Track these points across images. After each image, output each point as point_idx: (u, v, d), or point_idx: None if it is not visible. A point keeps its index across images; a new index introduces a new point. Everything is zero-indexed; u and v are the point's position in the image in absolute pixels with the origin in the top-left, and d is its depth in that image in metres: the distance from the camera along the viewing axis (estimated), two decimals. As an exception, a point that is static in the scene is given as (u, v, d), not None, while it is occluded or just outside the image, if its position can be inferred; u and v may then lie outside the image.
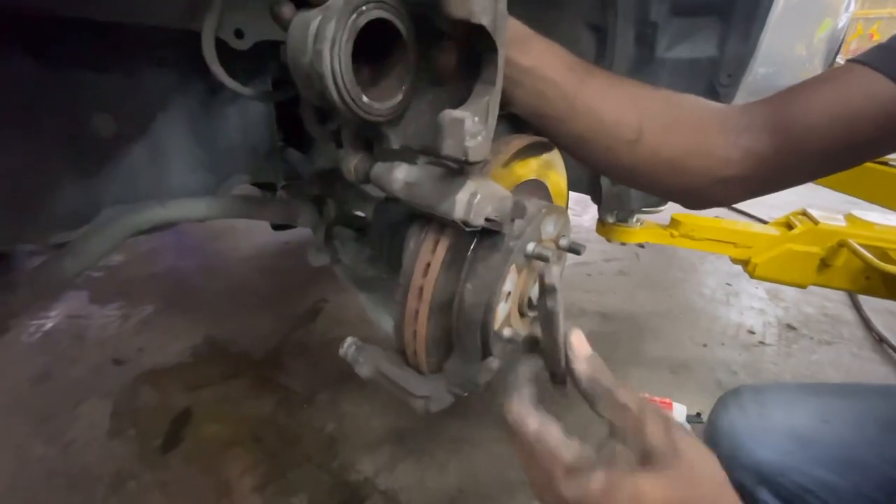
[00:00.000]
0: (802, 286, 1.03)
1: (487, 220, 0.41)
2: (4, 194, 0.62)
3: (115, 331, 1.53)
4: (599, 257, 2.21)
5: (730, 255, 1.09)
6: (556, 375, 0.42)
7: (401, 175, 0.43)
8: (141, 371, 1.35)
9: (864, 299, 1.86)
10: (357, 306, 0.79)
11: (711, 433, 0.70)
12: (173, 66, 0.69)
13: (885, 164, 1.17)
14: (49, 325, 1.54)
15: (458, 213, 0.39)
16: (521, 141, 0.50)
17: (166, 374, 1.34)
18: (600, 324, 1.69)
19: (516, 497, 0.99)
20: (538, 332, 0.42)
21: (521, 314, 0.56)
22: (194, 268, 1.99)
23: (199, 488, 1.00)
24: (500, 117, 0.52)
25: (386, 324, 0.68)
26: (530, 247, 0.48)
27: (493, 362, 0.59)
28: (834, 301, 1.89)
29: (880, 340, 1.66)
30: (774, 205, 2.31)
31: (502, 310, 0.50)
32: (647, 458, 0.33)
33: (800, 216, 1.06)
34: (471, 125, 0.34)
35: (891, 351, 1.61)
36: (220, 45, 0.57)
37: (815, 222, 1.01)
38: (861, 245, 0.94)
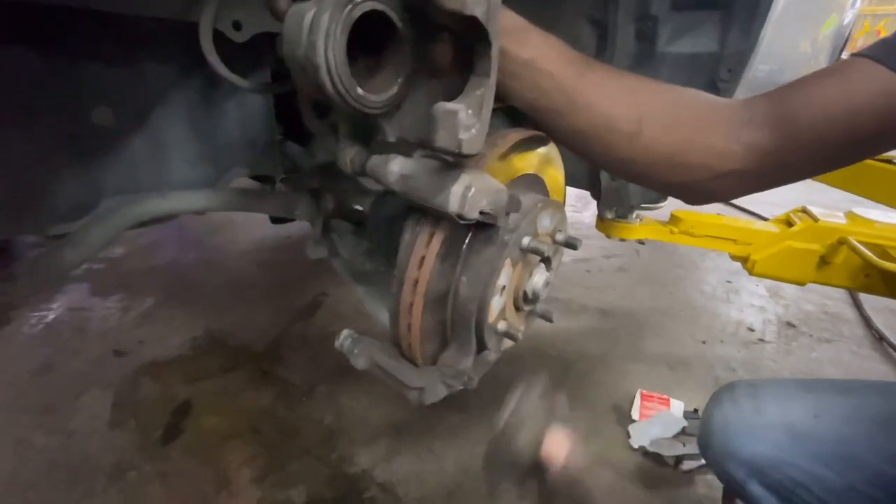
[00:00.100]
0: (801, 283, 1.03)
1: (482, 213, 0.41)
2: (5, 185, 0.62)
3: (116, 323, 1.54)
4: (599, 254, 2.21)
5: (729, 252, 1.08)
6: None
7: (396, 168, 0.43)
8: (141, 363, 1.35)
9: (864, 297, 1.86)
10: (356, 300, 0.79)
11: (705, 427, 0.70)
12: (173, 59, 0.69)
13: (890, 161, 1.16)
14: (51, 316, 1.55)
15: (453, 205, 0.39)
16: (517, 134, 0.50)
17: (166, 367, 1.35)
18: (600, 320, 1.69)
19: (513, 491, 1.00)
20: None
21: (517, 308, 0.56)
22: (194, 261, 1.99)
23: (198, 479, 1.00)
24: (498, 111, 0.52)
25: (383, 317, 0.68)
26: (525, 240, 0.49)
27: (490, 356, 0.60)
28: (834, 299, 1.89)
29: (880, 339, 1.66)
30: (776, 202, 2.31)
31: (497, 303, 0.50)
32: None
33: (800, 213, 1.06)
34: (464, 117, 0.34)
35: (890, 349, 1.61)
36: (220, 38, 0.57)
37: (815, 219, 1.00)
38: (861, 242, 0.93)
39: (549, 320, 0.60)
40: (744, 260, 1.06)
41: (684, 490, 1.01)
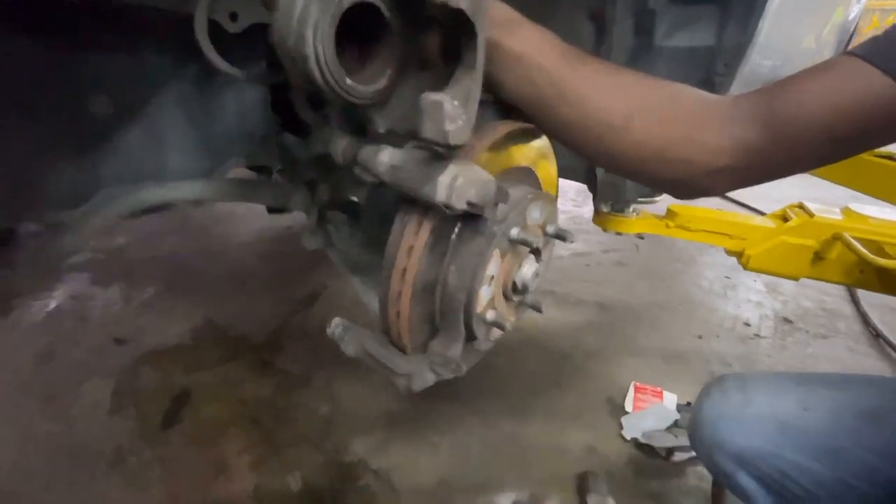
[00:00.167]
0: (795, 278, 1.03)
1: (469, 204, 0.42)
2: (5, 174, 0.63)
3: (117, 312, 1.56)
4: (598, 248, 2.22)
5: (724, 247, 1.09)
6: None
7: (386, 158, 0.43)
8: (142, 352, 1.37)
9: (862, 294, 1.86)
10: (354, 292, 0.80)
11: (695, 419, 0.71)
12: (170, 50, 0.69)
13: (891, 157, 1.16)
14: (52, 305, 1.56)
15: (440, 195, 0.40)
16: (507, 127, 0.50)
17: (167, 356, 1.37)
18: (597, 314, 1.70)
19: (505, 479, 1.01)
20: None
21: (507, 298, 0.57)
22: (195, 252, 2.01)
23: (197, 465, 1.02)
24: (489, 104, 0.53)
25: (377, 306, 0.69)
26: (514, 231, 0.49)
27: (480, 345, 0.60)
28: (832, 295, 1.89)
29: (877, 335, 1.66)
30: (778, 199, 2.30)
31: (486, 293, 0.51)
32: None
33: (796, 209, 1.06)
34: (450, 108, 0.35)
35: (887, 346, 1.61)
36: (216, 29, 0.57)
37: (811, 215, 1.01)
38: (856, 238, 0.94)
39: (539, 310, 0.60)
40: (739, 255, 1.06)
41: (675, 481, 1.03)
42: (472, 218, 0.47)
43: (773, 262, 1.03)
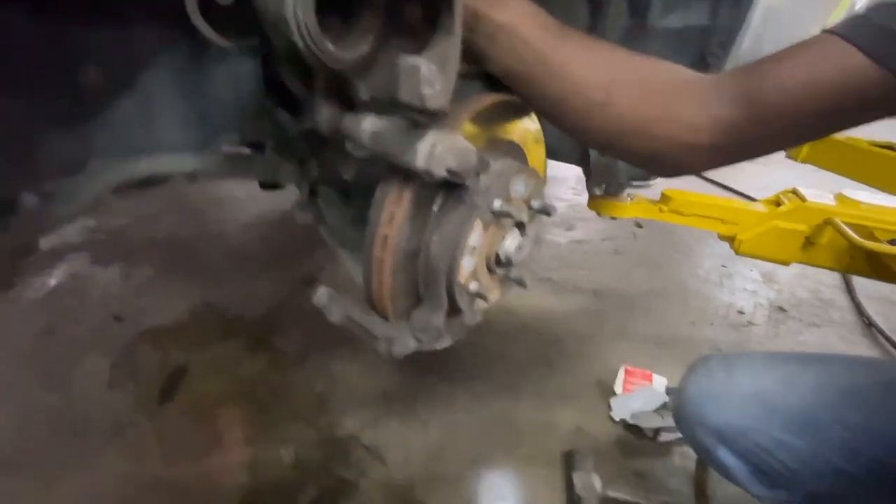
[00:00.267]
0: (786, 263, 1.04)
1: (449, 171, 0.42)
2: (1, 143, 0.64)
3: (117, 291, 1.57)
4: (596, 236, 2.22)
5: (717, 232, 1.09)
6: None
7: (368, 126, 0.44)
8: (140, 329, 1.39)
9: (859, 286, 1.86)
10: (348, 272, 0.81)
11: (679, 397, 0.73)
12: (161, 21, 0.69)
13: (891, 147, 1.16)
14: (53, 283, 1.58)
15: (420, 162, 0.40)
16: (492, 98, 0.51)
17: (165, 333, 1.39)
18: (592, 300, 1.71)
19: (492, 455, 1.04)
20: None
21: (490, 271, 0.58)
22: (194, 234, 2.02)
23: (193, 437, 1.05)
24: (476, 77, 0.53)
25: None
26: (497, 203, 0.50)
27: (466, 319, 0.61)
28: (829, 286, 1.90)
29: (870, 325, 1.67)
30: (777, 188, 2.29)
31: (468, 263, 0.52)
32: None
33: (789, 194, 1.06)
34: (427, 72, 0.35)
35: (880, 336, 1.62)
36: (207, 1, 0.57)
37: (804, 200, 1.01)
38: (847, 223, 0.94)
39: (523, 286, 0.61)
40: (731, 239, 1.07)
41: (661, 460, 1.05)
42: (454, 188, 0.48)
43: (764, 246, 1.03)
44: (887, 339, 1.59)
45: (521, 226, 0.58)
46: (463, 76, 0.51)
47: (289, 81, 0.56)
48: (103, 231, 1.94)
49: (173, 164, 0.69)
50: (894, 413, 0.61)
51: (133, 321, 1.43)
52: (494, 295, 0.62)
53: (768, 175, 2.45)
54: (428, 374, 1.25)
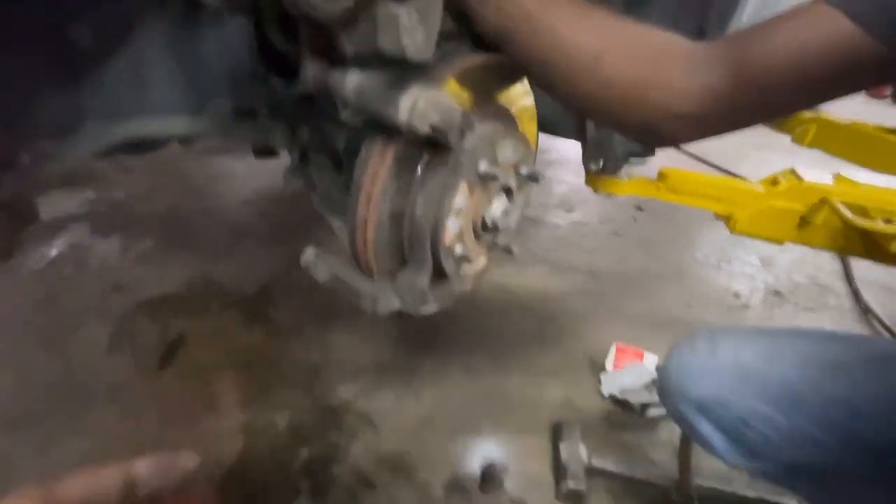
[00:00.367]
0: (781, 242, 1.04)
1: (433, 128, 0.42)
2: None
3: (116, 262, 1.59)
4: (596, 218, 2.21)
5: (713, 210, 1.09)
6: None
7: (352, 81, 0.44)
8: (139, 299, 1.41)
9: (857, 272, 1.86)
10: (342, 242, 0.82)
11: (663, 370, 0.74)
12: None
13: (896, 132, 1.15)
14: (53, 253, 1.60)
15: (402, 116, 0.40)
16: (480, 58, 0.50)
17: (163, 303, 1.40)
18: (588, 281, 1.71)
19: (481, 425, 1.06)
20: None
21: (477, 237, 0.58)
22: (193, 209, 2.02)
23: (189, 402, 1.07)
24: (466, 39, 0.52)
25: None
26: (482, 165, 0.50)
27: (454, 285, 0.62)
28: (827, 272, 1.89)
29: (866, 311, 1.67)
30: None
31: (453, 225, 0.52)
32: None
33: (787, 174, 1.05)
34: (406, 20, 0.35)
35: (876, 322, 1.62)
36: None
37: (801, 180, 1.00)
38: (843, 204, 0.93)
39: (510, 253, 0.61)
40: (726, 218, 1.06)
41: (647, 434, 1.07)
42: (439, 148, 0.48)
43: (759, 225, 1.03)
44: (883, 325, 1.60)
45: (508, 191, 0.58)
46: (451, 37, 0.50)
47: (275, 40, 0.56)
48: (103, 204, 1.95)
49: (166, 126, 0.69)
50: (874, 385, 0.61)
51: (132, 291, 1.45)
52: (481, 261, 0.62)
53: (776, 162, 2.43)
54: (421, 348, 1.27)
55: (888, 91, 4.32)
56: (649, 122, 0.49)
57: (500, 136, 0.52)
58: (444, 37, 0.45)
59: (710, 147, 3.01)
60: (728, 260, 1.96)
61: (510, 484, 0.94)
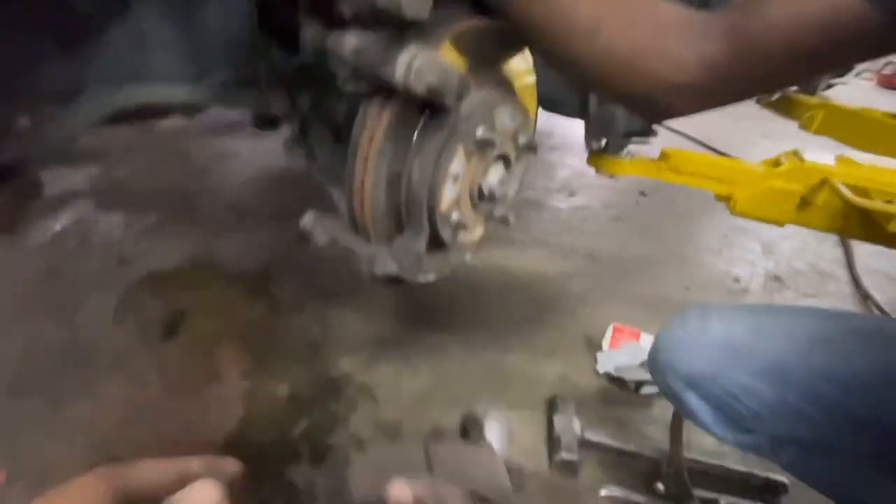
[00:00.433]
0: (780, 224, 1.04)
1: (430, 89, 0.43)
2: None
3: (120, 237, 1.61)
4: (599, 203, 2.21)
5: (714, 191, 1.09)
6: None
7: (350, 42, 0.44)
8: (143, 273, 1.43)
9: (859, 261, 1.85)
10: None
11: (654, 346, 0.74)
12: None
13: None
14: (58, 227, 1.62)
15: (399, 74, 0.40)
16: (478, 23, 0.50)
17: (167, 277, 1.42)
18: (588, 264, 1.72)
19: (479, 398, 1.08)
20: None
21: (474, 206, 0.59)
22: (196, 187, 2.03)
23: (192, 371, 1.10)
24: (466, 2, 0.52)
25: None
26: (480, 131, 0.50)
27: (451, 254, 0.63)
28: (828, 259, 1.89)
29: (866, 298, 1.67)
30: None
31: (450, 191, 0.53)
32: None
33: (790, 155, 1.05)
34: (403, -25, 0.35)
35: (875, 309, 1.62)
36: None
37: (802, 161, 1.00)
38: (845, 185, 0.93)
39: (507, 223, 0.62)
40: (726, 199, 1.06)
41: (640, 411, 1.08)
42: (437, 113, 0.48)
43: (759, 206, 1.03)
44: (882, 312, 1.60)
45: (506, 160, 0.58)
46: (450, 1, 0.50)
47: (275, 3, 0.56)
48: (106, 180, 1.96)
49: (166, 93, 0.70)
50: (859, 358, 0.62)
51: (136, 265, 1.46)
52: (478, 231, 0.63)
53: (783, 150, 2.41)
54: (421, 324, 1.29)
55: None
56: (647, 91, 0.49)
57: (499, 103, 0.52)
58: (442, 1, 0.45)
59: (717, 134, 2.98)
60: (730, 245, 1.95)
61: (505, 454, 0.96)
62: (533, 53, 0.65)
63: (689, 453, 0.92)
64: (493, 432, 1.00)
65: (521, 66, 0.66)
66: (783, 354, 0.65)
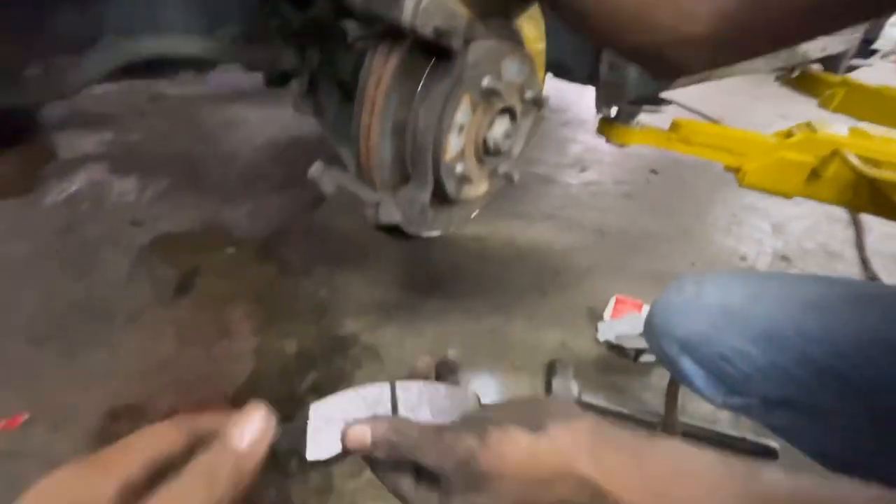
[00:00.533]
0: (789, 196, 1.03)
1: (437, 32, 0.43)
2: (10, 17, 0.65)
3: (133, 199, 1.64)
4: (609, 179, 2.19)
5: (723, 163, 1.08)
6: None
7: (360, -16, 0.44)
8: (156, 234, 1.46)
9: (870, 242, 1.83)
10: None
11: (650, 312, 0.75)
12: None
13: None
14: (72, 188, 1.65)
15: (406, 15, 0.41)
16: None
17: (179, 238, 1.46)
18: (595, 239, 1.72)
19: (479, 361, 1.10)
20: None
21: (479, 161, 0.60)
22: (207, 153, 2.05)
23: (204, 327, 1.13)
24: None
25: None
26: (486, 80, 0.51)
27: (456, 211, 0.64)
28: (838, 240, 1.87)
29: (873, 280, 1.66)
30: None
31: (455, 142, 0.53)
32: None
33: (803, 127, 1.03)
34: None
35: (882, 290, 1.61)
36: None
37: (815, 132, 0.98)
38: (856, 156, 0.92)
39: (512, 181, 0.63)
40: (736, 170, 1.05)
41: (638, 378, 1.10)
42: (444, 59, 0.49)
43: (769, 178, 1.02)
44: (888, 292, 1.59)
45: (512, 114, 0.59)
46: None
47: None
48: (120, 145, 1.99)
49: (178, 45, 0.70)
50: (852, 323, 0.62)
51: (149, 227, 1.50)
52: (482, 186, 0.64)
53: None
54: (426, 291, 1.31)
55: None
56: (659, 45, 0.49)
57: (506, 54, 0.52)
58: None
59: (733, 114, 2.91)
60: (739, 223, 1.94)
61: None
62: (543, 10, 0.65)
63: (684, 416, 0.94)
64: (485, 384, 1.03)
65: (531, 33, 0.65)
66: (777, 319, 0.66)
